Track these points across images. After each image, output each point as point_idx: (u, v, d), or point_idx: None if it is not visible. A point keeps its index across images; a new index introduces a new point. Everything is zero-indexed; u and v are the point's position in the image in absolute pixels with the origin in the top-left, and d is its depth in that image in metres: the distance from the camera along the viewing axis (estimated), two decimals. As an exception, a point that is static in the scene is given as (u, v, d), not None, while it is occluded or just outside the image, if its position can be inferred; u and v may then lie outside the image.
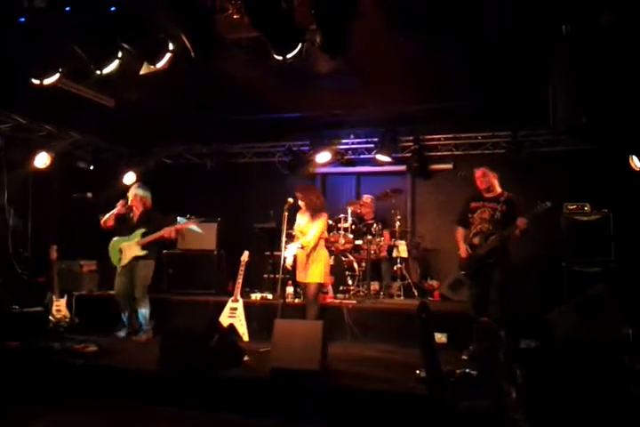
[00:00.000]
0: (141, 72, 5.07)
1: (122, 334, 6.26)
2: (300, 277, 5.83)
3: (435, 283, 7.88)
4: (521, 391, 3.28)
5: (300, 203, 5.85)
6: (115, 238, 6.34)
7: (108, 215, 6.35)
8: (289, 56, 4.48)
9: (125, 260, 6.21)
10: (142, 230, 6.25)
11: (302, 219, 5.88)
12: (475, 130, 8.22)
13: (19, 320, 6.11)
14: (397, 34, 5.48)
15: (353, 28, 4.51)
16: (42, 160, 7.60)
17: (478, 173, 5.47)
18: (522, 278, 6.35)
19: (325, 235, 5.94)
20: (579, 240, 6.69)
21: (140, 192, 6.39)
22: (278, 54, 4.51)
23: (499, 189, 5.40)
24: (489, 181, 5.39)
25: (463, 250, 5.40)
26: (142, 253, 6.20)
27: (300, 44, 4.46)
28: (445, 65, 6.37)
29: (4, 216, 7.24)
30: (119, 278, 6.24)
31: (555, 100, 4.79)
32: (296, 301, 6.61)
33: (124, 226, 6.33)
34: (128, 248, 6.23)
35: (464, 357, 5.17)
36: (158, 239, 6.25)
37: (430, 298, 7.48)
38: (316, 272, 5.66)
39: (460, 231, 5.50)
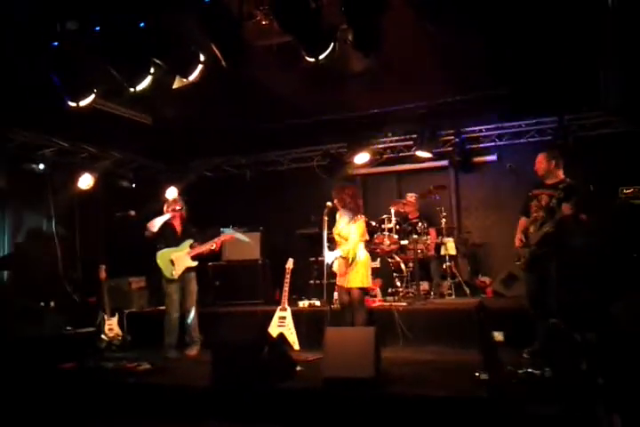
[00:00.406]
0: (174, 86, 5.05)
1: (173, 354, 6.06)
2: (340, 282, 5.68)
3: (486, 279, 7.61)
4: (606, 400, 3.04)
5: (336, 203, 5.71)
6: (163, 250, 6.19)
7: (158, 221, 6.16)
8: (321, 57, 4.35)
9: (179, 271, 6.10)
10: (190, 241, 6.22)
11: (341, 221, 5.73)
12: (517, 118, 7.90)
13: (73, 341, 6.19)
14: (428, 20, 5.30)
15: (384, 23, 4.35)
16: (86, 181, 7.74)
17: (537, 158, 5.21)
18: (581, 269, 6.00)
19: (366, 237, 5.76)
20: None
21: (183, 204, 6.38)
22: (310, 56, 4.38)
23: (561, 176, 5.08)
24: (544, 167, 5.10)
25: (517, 239, 5.19)
26: (194, 264, 6.18)
27: (331, 44, 4.33)
28: (480, 51, 6.15)
29: (53, 240, 7.38)
30: (175, 295, 6.10)
31: (606, 80, 4.48)
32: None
33: (170, 237, 6.24)
34: (179, 259, 6.13)
35: (525, 355, 4.92)
36: (208, 251, 6.19)
37: (483, 295, 7.23)
38: (358, 277, 5.50)
39: (522, 221, 5.27)
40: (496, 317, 5.61)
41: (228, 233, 6.42)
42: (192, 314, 6.17)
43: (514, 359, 4.73)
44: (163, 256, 6.17)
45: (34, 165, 7.09)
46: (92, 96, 5.02)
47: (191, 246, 6.20)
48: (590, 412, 3.06)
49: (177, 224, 6.33)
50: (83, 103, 5.00)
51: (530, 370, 4.18)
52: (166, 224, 6.23)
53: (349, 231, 5.56)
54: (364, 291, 5.68)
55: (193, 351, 6.09)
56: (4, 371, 5.20)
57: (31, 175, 7.18)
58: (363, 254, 5.59)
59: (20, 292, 6.50)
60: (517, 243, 5.17)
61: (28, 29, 4.72)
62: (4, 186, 6.20)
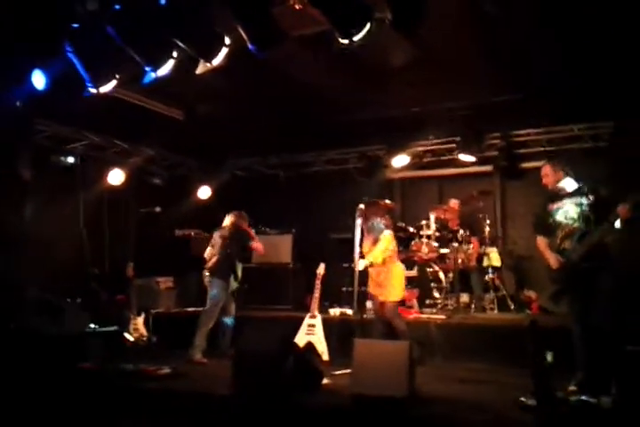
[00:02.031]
0: (198, 71, 4.79)
1: (199, 357, 5.94)
2: (374, 291, 5.46)
3: (532, 294, 7.12)
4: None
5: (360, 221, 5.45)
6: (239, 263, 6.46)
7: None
8: (356, 39, 3.96)
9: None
10: None
11: (366, 241, 5.51)
12: (570, 121, 7.37)
13: (95, 340, 5.99)
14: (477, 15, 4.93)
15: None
16: (116, 177, 7.59)
17: (542, 171, 4.71)
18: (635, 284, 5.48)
19: (394, 248, 5.54)
20: None
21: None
22: (344, 37, 4.01)
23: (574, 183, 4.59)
24: (553, 179, 4.60)
25: (554, 260, 4.51)
26: None
27: (367, 25, 3.94)
28: (532, 47, 5.72)
29: (82, 235, 7.23)
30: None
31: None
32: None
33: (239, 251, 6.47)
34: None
35: (572, 387, 4.23)
36: None
37: (528, 311, 6.76)
38: (392, 291, 5.36)
39: (541, 240, 4.68)
40: (543, 335, 5.12)
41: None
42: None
43: (563, 384, 4.25)
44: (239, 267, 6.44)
45: (63, 158, 6.96)
46: (114, 82, 4.81)
47: None
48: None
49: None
50: (103, 89, 4.80)
51: (584, 398, 3.72)
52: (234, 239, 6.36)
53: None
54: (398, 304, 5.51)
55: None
56: (21, 367, 5.04)
57: (60, 169, 7.05)
58: (395, 267, 5.46)
59: (44, 287, 6.33)
60: (555, 264, 4.50)
61: (49, 11, 4.54)
62: (29, 177, 6.06)
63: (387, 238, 5.43)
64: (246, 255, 6.59)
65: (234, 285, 6.25)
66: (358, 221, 5.46)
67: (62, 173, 7.11)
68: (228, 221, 6.38)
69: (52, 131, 6.98)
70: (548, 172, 4.65)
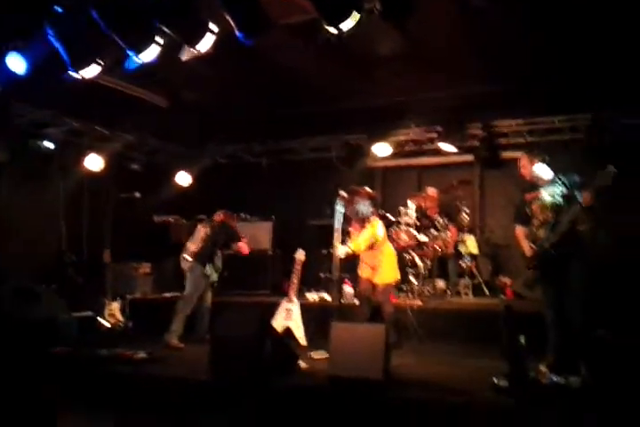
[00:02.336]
0: (183, 57, 4.75)
1: (176, 342, 5.90)
2: (366, 274, 5.45)
3: (507, 280, 7.21)
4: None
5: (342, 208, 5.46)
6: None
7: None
8: (343, 27, 3.95)
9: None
10: None
11: (354, 225, 5.55)
12: (550, 113, 7.45)
13: (69, 326, 5.94)
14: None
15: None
16: (95, 163, 7.51)
17: (519, 162, 4.80)
18: (607, 277, 5.56)
19: (384, 233, 5.61)
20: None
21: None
22: (331, 25, 3.99)
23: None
24: (530, 170, 4.67)
25: (527, 248, 4.66)
26: None
27: (354, 13, 3.93)
28: (515, 39, 5.76)
29: (59, 220, 7.16)
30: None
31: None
32: (356, 302, 6.13)
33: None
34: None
35: (542, 368, 4.31)
36: None
37: (502, 296, 6.83)
38: (388, 273, 5.44)
39: (520, 230, 4.78)
40: (517, 320, 5.21)
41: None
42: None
43: (535, 366, 4.34)
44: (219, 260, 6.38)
45: (41, 143, 6.84)
46: (97, 67, 4.73)
47: None
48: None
49: None
50: (86, 74, 4.72)
51: (554, 378, 3.80)
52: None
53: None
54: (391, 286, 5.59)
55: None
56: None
57: (39, 154, 6.94)
58: (389, 250, 5.56)
59: (20, 272, 6.27)
60: (528, 252, 4.64)
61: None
62: (5, 160, 5.96)
63: (374, 225, 5.46)
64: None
65: (214, 276, 6.22)
66: (339, 208, 5.44)
67: (41, 158, 7.01)
68: (217, 217, 6.36)
69: (31, 115, 6.86)
70: (524, 163, 4.72)
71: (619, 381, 3.44)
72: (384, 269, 5.40)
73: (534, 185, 4.71)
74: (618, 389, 3.40)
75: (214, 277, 6.23)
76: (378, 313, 5.46)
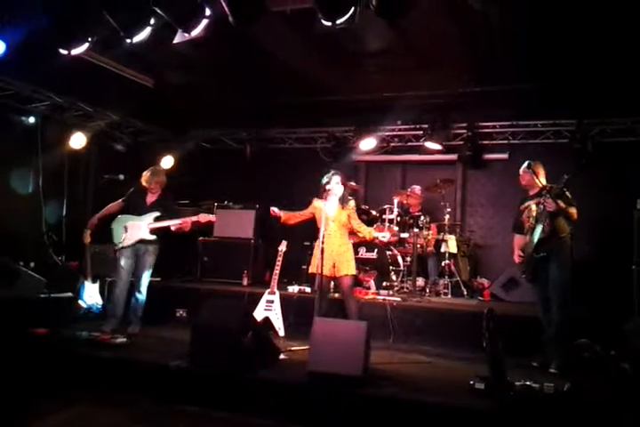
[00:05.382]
0: (175, 41, 4.66)
1: (109, 327, 5.60)
2: (329, 267, 5.25)
3: (485, 281, 7.36)
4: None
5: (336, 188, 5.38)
6: (121, 216, 5.85)
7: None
8: (339, 21, 3.94)
9: (130, 240, 5.70)
10: (156, 214, 5.74)
11: (330, 206, 5.39)
12: (534, 117, 7.57)
13: (48, 306, 5.87)
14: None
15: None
16: (78, 141, 7.36)
17: (520, 175, 5.15)
18: (587, 281, 5.76)
19: (350, 225, 5.51)
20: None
21: (163, 178, 5.93)
22: (327, 19, 3.97)
23: (541, 183, 4.96)
24: (527, 180, 5.06)
25: (516, 255, 5.14)
26: (150, 237, 5.70)
27: (352, 8, 3.91)
28: (503, 42, 5.82)
29: (39, 199, 7.01)
30: (125, 262, 5.73)
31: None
32: (336, 295, 6.18)
33: (135, 206, 5.84)
34: (134, 228, 5.71)
35: (534, 364, 4.82)
36: (177, 228, 5.71)
37: (480, 298, 6.95)
38: (352, 264, 5.33)
39: (516, 238, 5.24)
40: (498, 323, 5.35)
41: (204, 216, 5.75)
42: (143, 289, 5.76)
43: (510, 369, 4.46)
44: (119, 221, 5.82)
45: (23, 118, 6.66)
46: (86, 45, 4.62)
47: (156, 219, 5.73)
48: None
49: (150, 195, 5.88)
50: (75, 51, 4.62)
51: (528, 383, 3.91)
52: (136, 192, 5.90)
53: (342, 216, 5.38)
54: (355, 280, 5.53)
55: (136, 330, 5.69)
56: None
57: (19, 128, 6.76)
58: (350, 241, 5.50)
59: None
60: (517, 259, 5.12)
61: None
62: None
63: (354, 218, 5.43)
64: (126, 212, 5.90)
65: (116, 239, 5.80)
66: (335, 178, 5.38)
67: (22, 133, 6.83)
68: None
69: (13, 88, 6.65)
70: (523, 175, 5.08)
71: (595, 386, 3.55)
72: (350, 261, 5.31)
73: (526, 196, 5.13)
74: (594, 394, 3.52)
75: (115, 238, 5.80)
76: (339, 311, 5.41)
